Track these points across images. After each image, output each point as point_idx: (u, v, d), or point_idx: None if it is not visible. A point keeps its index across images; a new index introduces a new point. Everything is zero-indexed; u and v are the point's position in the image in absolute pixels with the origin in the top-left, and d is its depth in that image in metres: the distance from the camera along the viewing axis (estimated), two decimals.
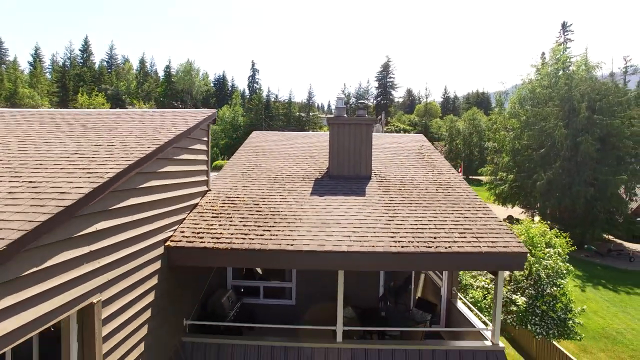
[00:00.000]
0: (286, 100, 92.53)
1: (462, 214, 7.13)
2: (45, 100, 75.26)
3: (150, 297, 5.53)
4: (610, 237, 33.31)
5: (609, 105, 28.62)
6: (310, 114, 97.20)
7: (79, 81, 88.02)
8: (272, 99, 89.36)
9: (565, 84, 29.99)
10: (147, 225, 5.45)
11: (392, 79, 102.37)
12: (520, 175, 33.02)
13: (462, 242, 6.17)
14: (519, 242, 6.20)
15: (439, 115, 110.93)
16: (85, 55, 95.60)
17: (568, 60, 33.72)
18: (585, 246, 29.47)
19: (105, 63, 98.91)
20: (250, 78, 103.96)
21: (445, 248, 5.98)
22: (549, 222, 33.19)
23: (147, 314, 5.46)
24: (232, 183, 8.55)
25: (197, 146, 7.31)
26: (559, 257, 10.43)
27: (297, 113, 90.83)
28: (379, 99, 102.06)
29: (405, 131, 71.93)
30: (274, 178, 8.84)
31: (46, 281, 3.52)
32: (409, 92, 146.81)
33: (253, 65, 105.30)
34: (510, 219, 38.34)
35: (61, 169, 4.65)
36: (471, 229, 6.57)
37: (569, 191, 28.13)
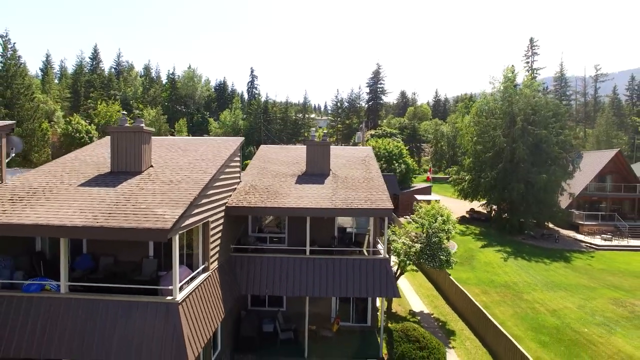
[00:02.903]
0: (283, 104, 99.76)
1: (370, 193, 14.06)
2: (57, 105, 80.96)
3: (220, 227, 12.42)
4: (551, 225, 40.43)
5: (541, 118, 35.69)
6: (306, 116, 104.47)
7: (89, 87, 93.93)
8: (270, 104, 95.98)
9: (507, 100, 37.04)
10: (221, 195, 12.35)
11: (382, 85, 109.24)
12: (477, 174, 40.01)
13: (364, 203, 13.10)
14: (390, 204, 13.14)
15: (430, 118, 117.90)
16: (94, 63, 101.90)
17: (515, 79, 40.67)
18: (525, 231, 36.57)
19: (113, 70, 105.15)
20: (250, 84, 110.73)
21: (355, 206, 12.92)
22: (503, 211, 39.59)
23: (220, 235, 12.35)
24: (252, 178, 15.46)
25: (236, 158, 14.22)
26: (443, 223, 17.28)
27: (294, 117, 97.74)
28: (370, 103, 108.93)
29: (392, 135, 78.71)
30: (275, 175, 15.76)
31: (203, 207, 10.39)
32: (403, 94, 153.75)
33: (252, 71, 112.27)
34: (472, 211, 45.50)
35: (191, 171, 11.52)
36: (371, 199, 13.51)
37: (508, 187, 35.19)
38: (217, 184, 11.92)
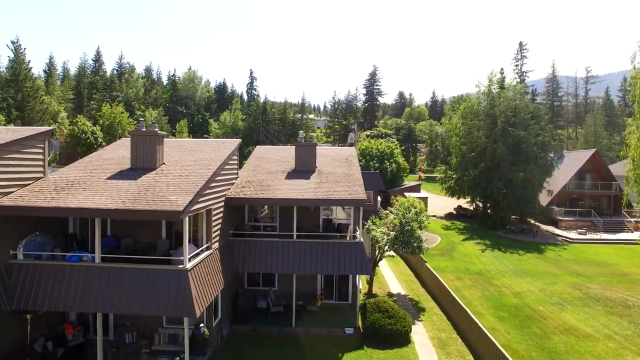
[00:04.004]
0: (281, 104, 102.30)
1: (349, 186, 16.48)
2: (61, 107, 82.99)
3: (221, 214, 14.83)
4: (533, 221, 42.81)
5: (521, 120, 38.12)
6: (304, 116, 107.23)
7: (92, 89, 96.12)
8: (269, 105, 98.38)
9: (489, 103, 39.48)
10: (221, 187, 14.77)
11: (378, 87, 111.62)
12: (462, 173, 42.41)
13: (343, 194, 15.51)
14: (364, 196, 15.56)
15: (427, 118, 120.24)
16: (97, 65, 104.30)
17: (499, 83, 43.11)
18: (507, 226, 38.99)
19: (115, 72, 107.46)
20: (249, 85, 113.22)
21: (334, 197, 15.34)
22: (488, 208, 41.90)
23: (220, 220, 14.76)
24: (248, 174, 17.88)
25: (234, 157, 16.64)
26: (415, 214, 19.67)
27: (292, 118, 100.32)
28: (366, 104, 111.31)
29: (386, 135, 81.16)
30: (268, 172, 18.18)
31: (206, 196, 12.81)
32: (401, 95, 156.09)
33: (251, 73, 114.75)
34: (460, 208, 47.92)
35: (196, 167, 13.93)
36: (348, 191, 15.93)
37: (489, 185, 37.62)
38: (218, 178, 14.32)
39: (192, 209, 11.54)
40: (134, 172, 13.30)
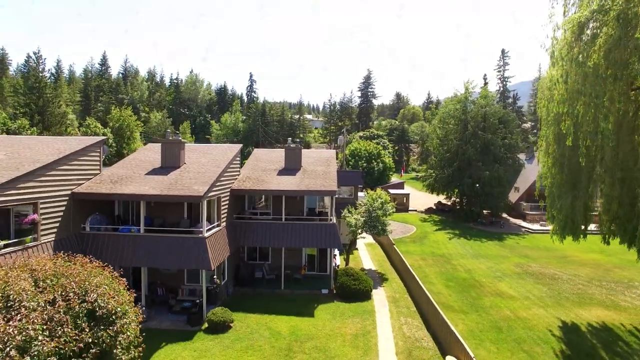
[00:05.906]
0: (279, 104, 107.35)
1: (325, 180, 21.32)
2: (69, 109, 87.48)
3: (227, 202, 19.66)
4: (505, 215, 47.63)
5: (490, 124, 42.95)
6: (301, 118, 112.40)
7: (99, 91, 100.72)
8: (268, 106, 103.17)
9: (461, 109, 44.33)
10: (228, 181, 19.60)
11: (372, 89, 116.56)
12: (440, 171, 47.22)
13: (320, 187, 20.36)
14: (335, 187, 20.41)
15: (421, 119, 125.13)
16: (103, 68, 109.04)
17: (474, 89, 47.95)
18: (478, 219, 43.83)
19: (121, 75, 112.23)
20: (249, 88, 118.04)
21: (312, 188, 20.19)
22: (464, 203, 46.62)
23: (227, 206, 19.58)
24: (247, 171, 22.72)
25: (237, 158, 21.46)
26: (381, 204, 24.40)
27: (290, 119, 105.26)
28: (361, 106, 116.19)
29: (378, 137, 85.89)
30: (263, 169, 23.02)
31: (217, 187, 17.63)
32: (398, 96, 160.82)
33: (251, 76, 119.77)
34: (439, 203, 52.76)
35: (210, 166, 18.75)
36: (324, 184, 20.77)
37: (461, 182, 42.47)
38: (226, 174, 19.12)
39: (208, 195, 16.34)
40: (164, 169, 18.11)
